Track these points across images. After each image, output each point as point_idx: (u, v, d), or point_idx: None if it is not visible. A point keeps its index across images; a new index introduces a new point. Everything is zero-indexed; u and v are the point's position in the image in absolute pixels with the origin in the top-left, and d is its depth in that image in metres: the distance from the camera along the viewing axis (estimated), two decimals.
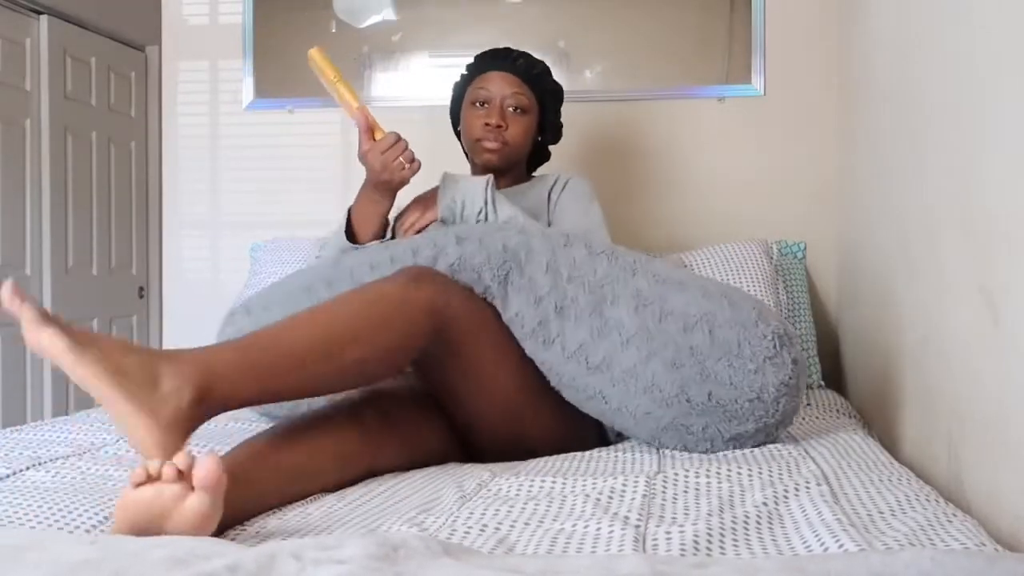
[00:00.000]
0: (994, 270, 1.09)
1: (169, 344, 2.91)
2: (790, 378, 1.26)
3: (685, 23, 2.56)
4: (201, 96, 2.85)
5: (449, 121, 1.95)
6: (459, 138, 1.91)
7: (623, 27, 2.58)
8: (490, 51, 1.83)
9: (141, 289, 2.91)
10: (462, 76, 1.87)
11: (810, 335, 2.23)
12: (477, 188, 1.56)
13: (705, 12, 2.55)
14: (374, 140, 1.52)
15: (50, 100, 2.52)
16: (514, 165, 1.82)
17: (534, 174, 1.94)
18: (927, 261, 1.41)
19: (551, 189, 1.77)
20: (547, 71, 1.83)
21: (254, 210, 2.79)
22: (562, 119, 1.92)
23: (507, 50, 1.82)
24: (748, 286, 2.16)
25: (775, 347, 1.25)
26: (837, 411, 1.76)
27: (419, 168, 1.53)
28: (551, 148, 1.97)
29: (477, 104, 1.77)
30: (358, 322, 1.14)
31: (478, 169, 1.83)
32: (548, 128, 1.87)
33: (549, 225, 1.72)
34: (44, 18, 2.51)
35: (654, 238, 2.56)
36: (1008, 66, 1.06)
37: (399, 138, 1.52)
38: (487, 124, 1.74)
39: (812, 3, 2.51)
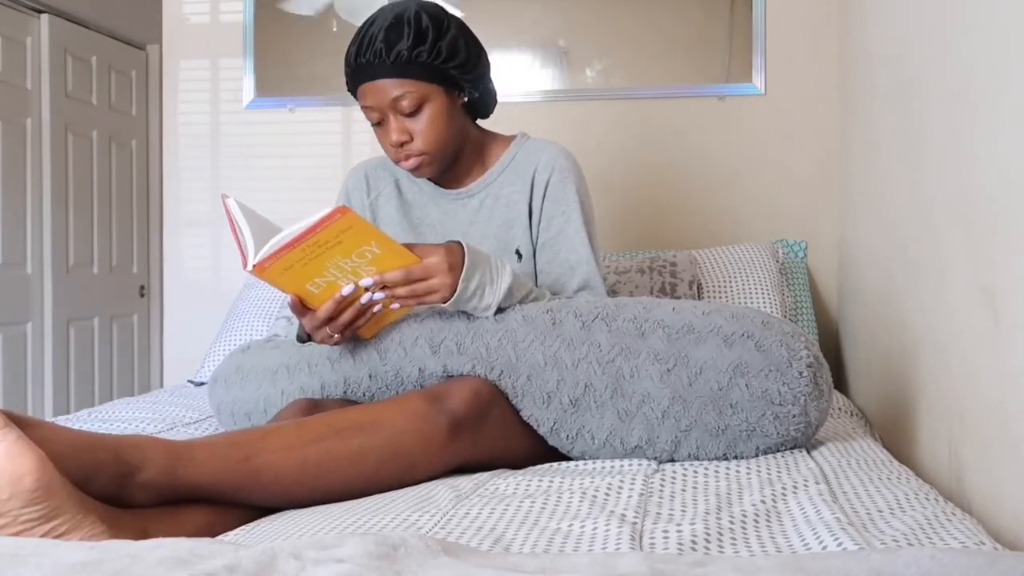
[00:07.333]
0: (994, 269, 1.09)
1: (170, 343, 2.92)
2: (827, 402, 1.25)
3: (686, 22, 2.56)
4: (202, 95, 2.85)
5: None
6: None
7: (623, 26, 2.58)
8: (352, 59, 1.43)
9: (142, 288, 2.91)
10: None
11: (812, 334, 2.23)
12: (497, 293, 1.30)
13: (705, 11, 2.55)
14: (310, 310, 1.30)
15: (51, 99, 2.52)
16: (452, 155, 1.53)
17: (495, 132, 1.64)
18: (928, 260, 1.41)
19: (532, 188, 1.54)
20: (418, 38, 1.38)
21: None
22: (482, 47, 1.50)
23: (361, 52, 1.41)
24: (754, 288, 2.16)
25: (812, 381, 1.20)
26: (838, 410, 1.76)
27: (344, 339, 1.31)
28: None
29: (374, 124, 1.47)
30: (376, 478, 1.11)
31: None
32: (470, 86, 1.49)
33: (534, 236, 1.54)
34: (45, 17, 2.51)
35: (653, 236, 2.56)
36: (1008, 65, 1.06)
37: (328, 319, 1.26)
38: (391, 145, 1.46)
39: (812, 2, 2.51)
